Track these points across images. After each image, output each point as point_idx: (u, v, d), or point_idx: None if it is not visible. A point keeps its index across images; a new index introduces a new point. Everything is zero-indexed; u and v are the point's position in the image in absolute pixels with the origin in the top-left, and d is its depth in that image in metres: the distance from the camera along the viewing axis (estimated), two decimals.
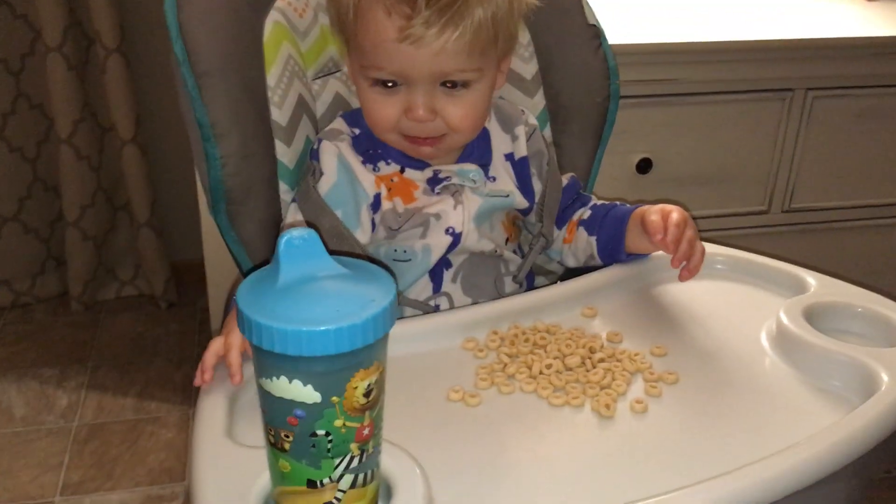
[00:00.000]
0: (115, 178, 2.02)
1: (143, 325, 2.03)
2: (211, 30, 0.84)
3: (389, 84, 0.83)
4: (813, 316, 0.81)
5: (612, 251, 0.92)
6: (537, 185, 0.96)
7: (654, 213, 0.87)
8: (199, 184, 1.60)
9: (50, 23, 1.78)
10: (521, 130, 0.95)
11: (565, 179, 1.00)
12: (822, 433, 0.67)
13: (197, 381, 0.72)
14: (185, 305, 2.10)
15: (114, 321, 2.04)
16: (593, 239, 0.94)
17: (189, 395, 1.78)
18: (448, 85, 0.83)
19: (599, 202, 0.98)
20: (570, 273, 0.99)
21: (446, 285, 0.91)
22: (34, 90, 1.91)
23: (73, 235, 1.99)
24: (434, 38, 0.78)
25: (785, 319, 0.80)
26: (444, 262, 0.91)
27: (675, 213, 0.86)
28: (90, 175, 1.96)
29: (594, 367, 0.77)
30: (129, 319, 2.05)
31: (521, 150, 0.95)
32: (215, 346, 0.73)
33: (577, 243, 0.96)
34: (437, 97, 0.83)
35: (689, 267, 0.85)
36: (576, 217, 0.97)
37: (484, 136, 0.94)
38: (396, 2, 0.78)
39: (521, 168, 0.95)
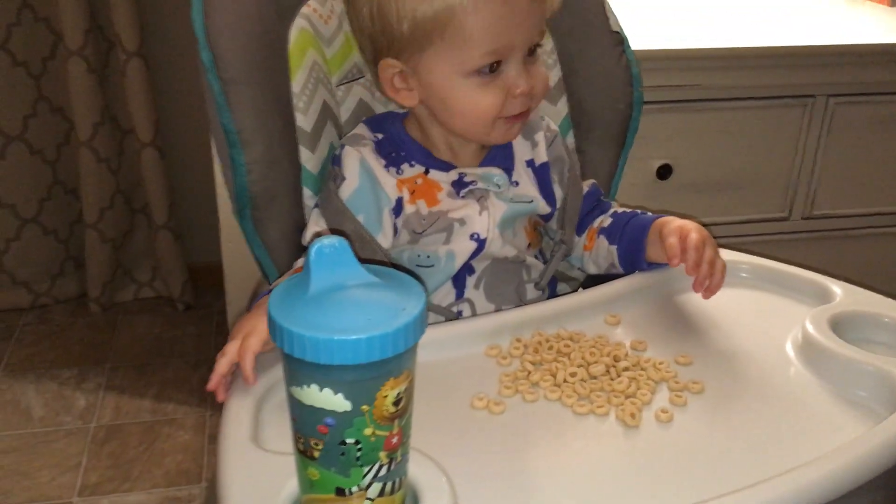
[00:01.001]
0: (133, 180, 2.04)
1: (161, 326, 2.04)
2: (237, 37, 0.85)
3: (491, 69, 0.83)
4: (839, 325, 0.81)
5: (633, 260, 0.92)
6: (558, 192, 0.96)
7: (671, 233, 0.87)
8: (217, 186, 1.61)
9: (71, 26, 1.79)
10: (540, 137, 0.96)
11: (586, 186, 1.00)
12: (849, 445, 0.66)
13: (211, 386, 0.72)
14: (202, 308, 2.11)
15: (131, 323, 2.05)
16: (614, 248, 0.94)
17: (206, 398, 1.79)
18: (529, 52, 0.85)
19: (620, 210, 0.98)
20: (593, 280, 0.98)
21: (469, 291, 0.91)
22: (55, 93, 1.92)
23: (91, 237, 2.00)
24: (531, 1, 0.82)
25: (811, 329, 0.79)
26: (466, 268, 0.91)
27: (694, 234, 0.85)
28: (109, 177, 1.97)
29: (619, 375, 0.76)
30: (146, 321, 2.06)
31: (542, 157, 0.95)
32: (231, 351, 0.72)
33: (598, 251, 0.96)
34: (530, 65, 0.86)
35: (710, 287, 0.85)
36: (596, 224, 0.97)
37: (506, 142, 0.94)
38: None
39: (542, 174, 0.95)
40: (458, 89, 0.84)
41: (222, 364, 0.72)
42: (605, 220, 0.97)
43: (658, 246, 0.88)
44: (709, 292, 0.85)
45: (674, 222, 0.89)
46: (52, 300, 2.09)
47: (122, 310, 2.10)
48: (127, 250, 2.10)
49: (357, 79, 0.97)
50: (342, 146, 0.89)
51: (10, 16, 1.82)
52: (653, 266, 0.90)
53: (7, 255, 2.02)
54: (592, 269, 0.98)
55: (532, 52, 0.85)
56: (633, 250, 0.92)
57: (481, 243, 0.89)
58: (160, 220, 2.01)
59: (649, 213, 0.95)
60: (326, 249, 0.54)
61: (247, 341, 0.71)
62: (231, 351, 0.72)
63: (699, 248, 0.84)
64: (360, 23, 0.87)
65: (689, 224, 0.88)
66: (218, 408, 1.81)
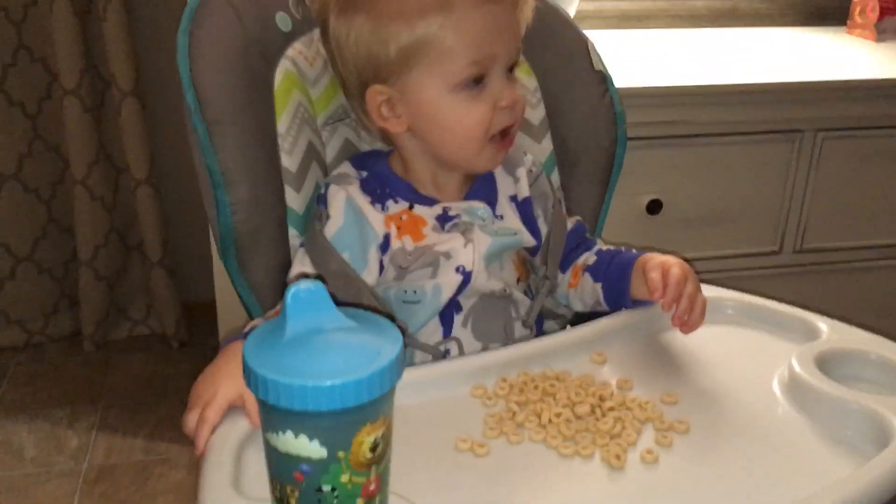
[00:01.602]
0: (128, 218, 2.04)
1: (155, 364, 2.03)
2: (222, 79, 0.86)
3: (476, 81, 0.85)
4: (825, 363, 0.80)
5: (618, 298, 0.92)
6: (543, 227, 0.97)
7: (654, 268, 0.87)
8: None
9: (67, 66, 1.81)
10: (522, 172, 0.96)
11: (571, 223, 1.00)
12: (836, 485, 0.66)
13: (199, 453, 0.71)
14: (196, 345, 2.10)
15: (125, 361, 2.05)
16: (599, 286, 0.94)
17: None
18: (510, 70, 0.88)
19: (604, 247, 0.99)
20: (580, 317, 0.98)
21: (457, 329, 0.91)
22: (50, 132, 1.94)
23: (86, 275, 2.00)
24: (510, 12, 0.86)
25: (797, 367, 0.79)
26: (454, 306, 0.91)
27: (676, 269, 0.85)
28: (104, 215, 1.98)
29: (604, 415, 0.76)
30: (140, 359, 2.06)
31: (524, 192, 0.96)
32: (190, 425, 0.71)
33: (583, 289, 0.96)
34: (512, 84, 0.88)
35: (688, 322, 0.85)
36: (580, 262, 0.97)
37: (489, 176, 0.95)
38: None
39: (524, 208, 0.96)
40: (447, 105, 0.86)
41: (191, 436, 0.71)
42: (589, 258, 0.97)
43: (642, 282, 0.88)
44: (687, 327, 0.85)
45: (657, 258, 0.89)
46: (46, 338, 2.09)
47: (117, 347, 2.09)
48: (121, 288, 2.10)
49: (342, 119, 0.98)
50: (327, 185, 0.90)
51: (6, 56, 1.84)
52: (638, 304, 0.90)
53: (1, 294, 2.02)
54: (578, 307, 0.98)
55: (511, 70, 0.88)
56: (617, 288, 0.92)
57: (467, 276, 0.89)
58: (155, 257, 2.01)
59: (633, 251, 0.95)
60: (303, 293, 0.55)
61: (207, 412, 0.71)
62: (190, 424, 0.71)
63: (680, 283, 0.84)
64: (344, 54, 0.88)
65: (671, 259, 0.88)
66: None
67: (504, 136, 0.89)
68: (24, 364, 2.02)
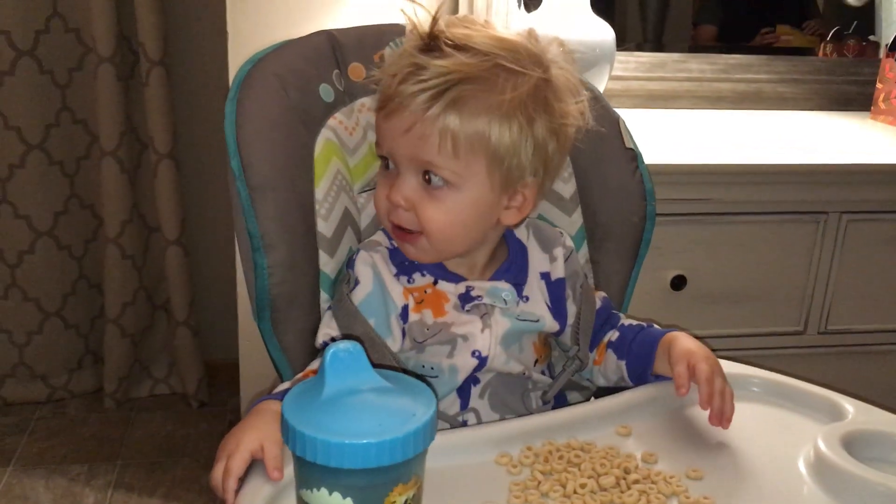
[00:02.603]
0: (156, 277, 2.08)
1: (173, 423, 2.04)
2: (266, 146, 0.89)
3: (387, 164, 0.88)
4: (851, 444, 0.80)
5: (641, 375, 0.93)
6: (571, 308, 0.97)
7: (679, 359, 0.87)
8: (238, 285, 1.64)
9: (107, 128, 1.87)
10: (559, 252, 0.97)
11: (598, 301, 1.01)
12: None
13: (226, 495, 0.71)
14: (215, 405, 2.11)
15: (145, 419, 2.05)
16: (623, 363, 0.95)
17: (214, 498, 1.76)
18: (426, 178, 0.85)
19: (626, 322, 1.00)
20: (605, 388, 0.99)
21: (474, 401, 0.92)
22: (87, 191, 1.99)
23: (112, 332, 2.03)
24: (408, 116, 0.82)
25: (823, 447, 0.79)
26: (471, 379, 0.91)
27: (703, 365, 0.85)
28: (133, 274, 2.01)
29: (629, 488, 0.76)
30: (159, 418, 2.06)
31: (559, 272, 0.97)
32: (217, 477, 0.72)
33: (607, 365, 0.97)
34: (419, 191, 0.86)
35: (725, 418, 0.85)
36: (605, 339, 0.98)
37: (522, 254, 0.96)
38: (394, 74, 0.84)
39: (556, 289, 0.96)
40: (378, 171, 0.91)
41: (236, 464, 0.72)
42: (613, 335, 0.98)
43: (665, 362, 0.89)
44: (725, 422, 0.85)
45: (681, 344, 0.89)
46: (68, 394, 2.10)
47: (137, 405, 2.10)
48: (145, 346, 2.12)
49: None
50: (357, 251, 0.92)
51: (49, 116, 1.90)
52: (660, 378, 0.91)
53: (28, 348, 2.05)
54: (601, 382, 0.99)
55: (427, 180, 0.85)
56: (641, 366, 0.93)
57: (482, 360, 0.90)
58: (180, 316, 2.03)
59: (655, 327, 0.96)
60: (342, 354, 0.56)
61: (230, 462, 0.72)
62: (217, 477, 0.73)
63: (710, 380, 0.85)
64: None
65: (697, 351, 0.88)
66: None
67: (400, 233, 0.88)
68: (44, 419, 2.03)
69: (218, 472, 0.72)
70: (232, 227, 1.56)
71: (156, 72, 1.84)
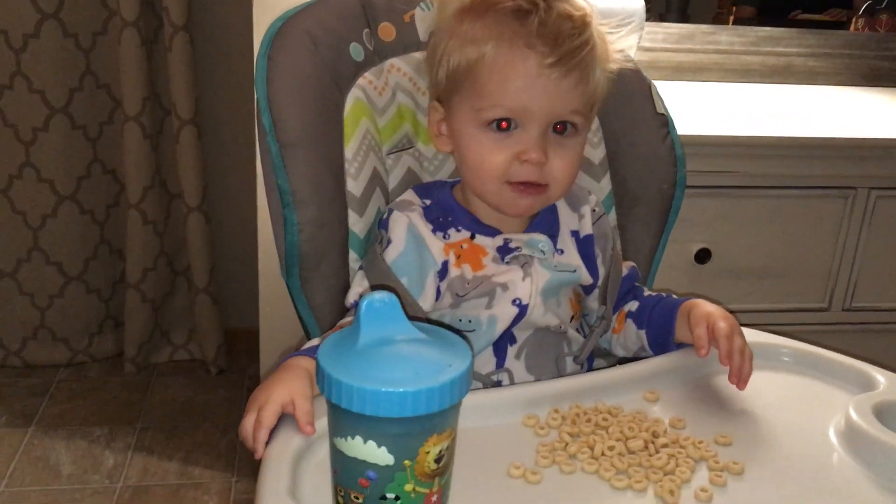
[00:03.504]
0: (178, 243, 2.08)
1: (193, 389, 2.05)
2: (297, 103, 0.88)
3: (504, 126, 0.86)
4: (882, 414, 0.79)
5: (663, 343, 0.93)
6: (601, 267, 0.97)
7: (699, 322, 0.87)
8: (260, 252, 1.64)
9: (130, 93, 1.87)
10: (587, 210, 0.97)
11: (625, 269, 1.01)
12: None
13: (259, 455, 0.71)
14: (234, 372, 2.12)
15: (164, 384, 2.07)
16: (643, 332, 0.95)
17: (233, 463, 1.78)
18: (558, 129, 0.87)
19: (646, 294, 0.99)
20: (626, 360, 0.98)
21: (509, 361, 0.92)
22: (109, 156, 1.99)
23: (132, 297, 2.04)
24: (561, 77, 0.84)
25: (854, 416, 0.78)
26: (508, 338, 0.91)
27: (722, 323, 0.85)
28: (154, 240, 2.02)
29: (657, 451, 0.76)
30: (179, 383, 2.07)
31: (587, 229, 0.97)
32: (248, 427, 0.72)
33: (627, 335, 0.97)
34: (551, 143, 0.87)
35: (742, 378, 0.84)
36: (625, 308, 0.98)
37: (552, 210, 0.96)
38: (535, 41, 0.83)
39: (585, 246, 0.97)
40: (472, 140, 0.88)
41: (268, 414, 0.72)
42: (632, 305, 0.98)
43: (686, 328, 0.89)
44: (743, 383, 0.85)
45: (700, 308, 0.89)
46: (89, 358, 2.12)
47: (157, 371, 2.12)
48: (166, 312, 2.13)
49: (406, 148, 1.00)
50: (390, 210, 0.92)
51: (73, 81, 1.90)
52: (682, 346, 0.90)
53: (50, 311, 2.06)
54: (620, 352, 0.99)
55: (560, 130, 0.87)
56: (662, 334, 0.93)
57: (523, 309, 0.90)
58: (200, 283, 2.04)
59: (675, 297, 0.96)
60: (377, 304, 0.56)
61: (262, 414, 0.72)
62: (247, 427, 0.72)
63: (729, 336, 0.84)
64: (426, 63, 0.94)
65: (715, 312, 0.88)
66: (245, 473, 1.80)
67: (528, 187, 0.88)
68: (65, 381, 2.05)
69: (248, 423, 0.72)
70: (254, 195, 1.59)
71: (179, 37, 1.83)
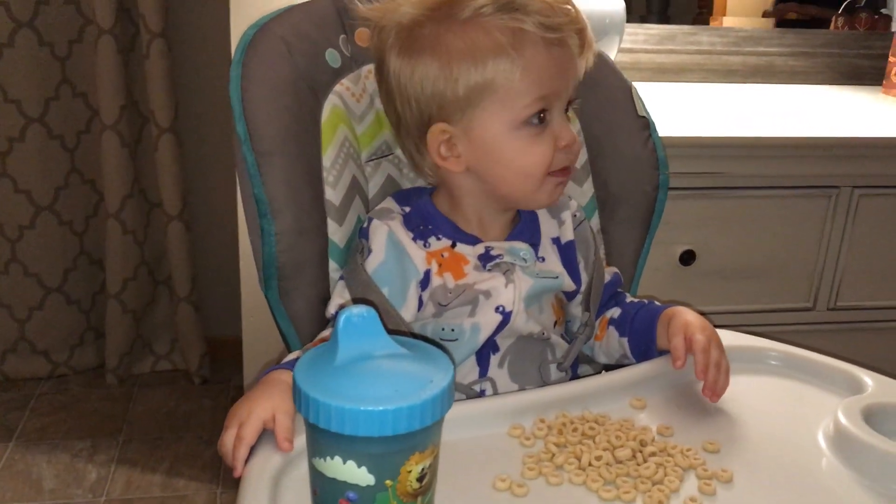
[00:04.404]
0: (158, 252, 2.06)
1: (176, 400, 2.03)
2: (272, 111, 0.87)
3: (539, 119, 0.85)
4: (871, 417, 0.79)
5: (645, 352, 0.92)
6: (583, 273, 0.96)
7: (676, 332, 0.86)
8: (241, 259, 1.62)
9: (108, 102, 1.84)
10: (567, 216, 0.96)
11: (608, 274, 1.00)
12: None
13: (236, 462, 0.69)
14: (218, 382, 2.09)
15: (147, 395, 2.04)
16: (625, 340, 0.94)
17: (217, 474, 1.76)
18: (567, 108, 0.89)
19: (629, 300, 0.99)
20: (611, 367, 0.97)
21: (492, 370, 0.90)
22: (87, 166, 1.97)
23: (113, 308, 2.01)
24: (568, 50, 0.86)
25: (843, 419, 0.78)
26: (491, 346, 0.90)
27: (699, 335, 0.85)
28: (135, 249, 1.99)
29: (645, 460, 0.75)
30: (162, 394, 2.05)
31: (567, 235, 0.96)
32: (227, 443, 0.71)
33: (609, 342, 0.97)
34: (566, 124, 0.89)
35: (716, 391, 0.84)
36: (607, 315, 0.98)
37: (533, 218, 0.95)
38: (534, 28, 0.83)
39: (566, 252, 0.96)
40: (510, 143, 0.86)
41: (249, 432, 0.70)
42: (615, 312, 0.97)
43: (665, 336, 0.88)
44: (716, 396, 0.84)
45: (680, 317, 0.88)
46: (69, 370, 2.09)
47: (139, 382, 2.09)
48: (147, 322, 2.11)
49: (386, 155, 0.99)
50: (370, 219, 0.90)
51: (49, 90, 1.87)
52: (664, 353, 0.90)
53: (29, 324, 2.03)
54: (602, 359, 0.98)
55: (567, 109, 0.89)
56: (645, 342, 0.92)
57: (506, 316, 0.89)
58: (182, 292, 2.02)
59: (657, 303, 0.95)
60: (355, 318, 0.54)
61: (242, 430, 0.70)
62: (227, 443, 0.71)
63: (706, 350, 0.84)
64: (407, 92, 0.87)
65: (694, 322, 0.87)
66: (229, 485, 1.78)
67: (565, 173, 0.90)
68: (47, 394, 2.02)
69: (228, 439, 0.71)
70: (234, 203, 1.57)
71: (156, 44, 1.81)
